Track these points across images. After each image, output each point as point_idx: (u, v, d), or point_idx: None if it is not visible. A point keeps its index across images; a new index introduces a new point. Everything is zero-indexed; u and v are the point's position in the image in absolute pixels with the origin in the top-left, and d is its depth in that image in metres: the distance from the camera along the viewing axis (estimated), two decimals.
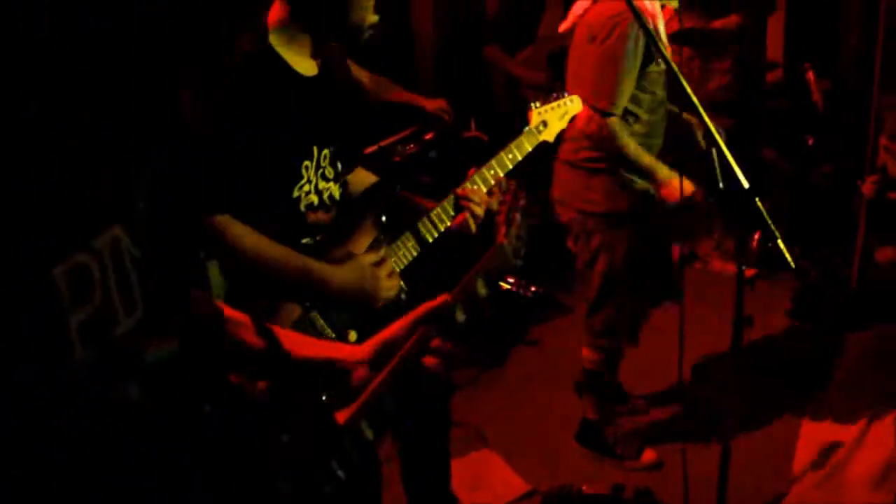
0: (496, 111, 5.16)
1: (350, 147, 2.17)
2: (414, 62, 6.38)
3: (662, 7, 3.10)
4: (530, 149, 2.42)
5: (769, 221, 1.70)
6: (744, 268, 1.84)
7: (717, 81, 5.34)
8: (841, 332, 3.99)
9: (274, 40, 1.92)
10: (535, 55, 5.13)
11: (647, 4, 2.95)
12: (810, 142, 5.31)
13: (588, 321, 3.37)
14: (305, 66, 1.99)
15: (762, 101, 5.99)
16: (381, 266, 2.08)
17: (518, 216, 1.68)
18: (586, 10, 3.07)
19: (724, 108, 5.44)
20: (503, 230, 1.66)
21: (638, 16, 1.87)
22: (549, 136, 2.51)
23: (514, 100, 5.04)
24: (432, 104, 3.91)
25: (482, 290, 1.49)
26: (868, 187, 4.21)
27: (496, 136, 2.73)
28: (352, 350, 1.53)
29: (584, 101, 2.78)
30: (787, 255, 1.72)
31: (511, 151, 2.37)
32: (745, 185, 1.68)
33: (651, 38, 1.97)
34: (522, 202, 1.76)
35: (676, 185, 2.91)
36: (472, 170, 2.32)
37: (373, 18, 1.96)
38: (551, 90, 4.90)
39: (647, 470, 3.39)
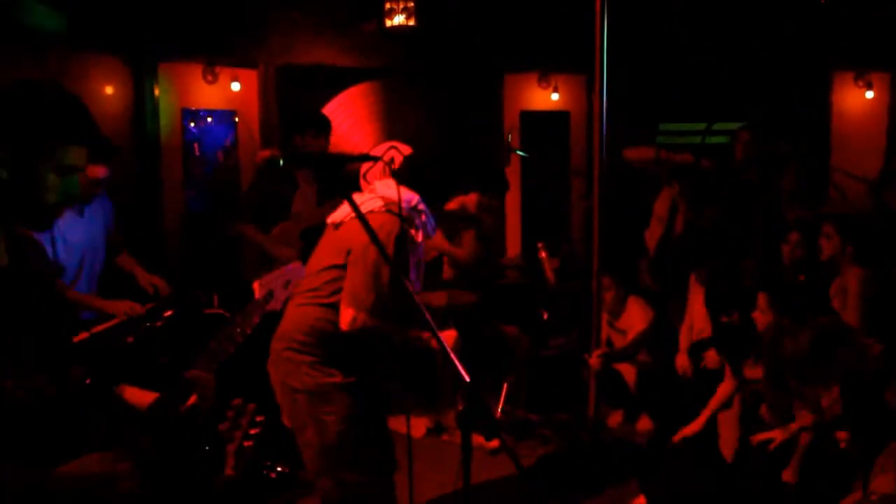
0: (247, 287, 5.14)
1: (56, 340, 2.05)
2: (162, 235, 6.29)
3: None
4: (258, 321, 2.44)
5: (491, 415, 1.79)
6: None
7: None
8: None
9: None
10: (288, 232, 5.22)
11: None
12: (545, 315, 5.74)
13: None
14: None
15: (501, 275, 6.46)
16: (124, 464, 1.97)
17: (251, 446, 1.63)
18: None
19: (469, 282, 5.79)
20: (231, 462, 1.58)
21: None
22: (276, 305, 2.54)
23: None
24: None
25: None
26: (594, 360, 4.58)
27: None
28: None
29: None
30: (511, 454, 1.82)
31: (240, 325, 2.37)
32: (466, 378, 1.78)
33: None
34: (257, 430, 1.71)
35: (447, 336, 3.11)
36: None
37: (56, 200, 1.91)
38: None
39: None
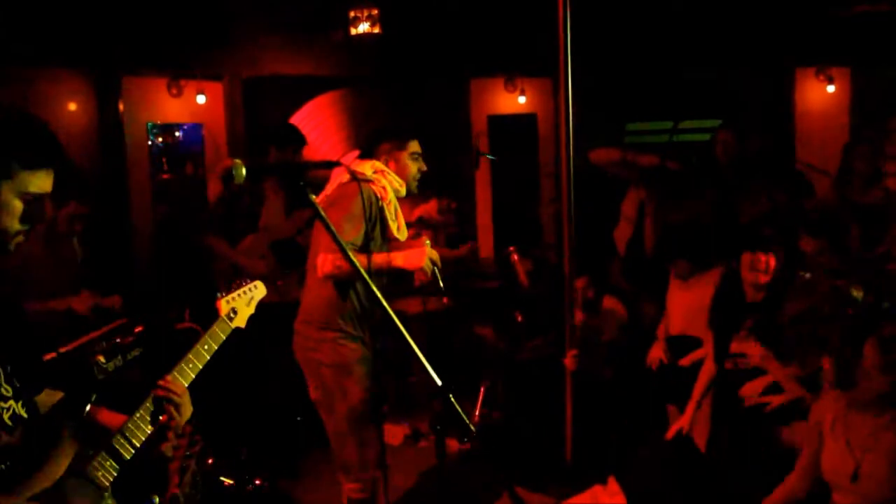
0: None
1: (26, 362, 2.03)
2: (131, 251, 6.24)
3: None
4: (224, 337, 2.44)
5: (464, 418, 1.80)
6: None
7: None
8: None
9: None
10: (257, 244, 5.19)
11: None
12: (519, 318, 5.74)
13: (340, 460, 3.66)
14: None
15: (487, 276, 6.47)
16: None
17: (193, 463, 1.64)
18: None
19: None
20: (175, 480, 1.61)
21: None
22: (240, 322, 2.55)
23: None
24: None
25: None
26: (569, 361, 4.58)
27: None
28: None
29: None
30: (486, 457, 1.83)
31: (206, 342, 2.38)
32: (438, 382, 1.78)
33: None
34: (198, 447, 1.73)
35: (414, 254, 3.48)
36: None
37: (19, 226, 1.89)
38: (274, 278, 4.98)
39: None
